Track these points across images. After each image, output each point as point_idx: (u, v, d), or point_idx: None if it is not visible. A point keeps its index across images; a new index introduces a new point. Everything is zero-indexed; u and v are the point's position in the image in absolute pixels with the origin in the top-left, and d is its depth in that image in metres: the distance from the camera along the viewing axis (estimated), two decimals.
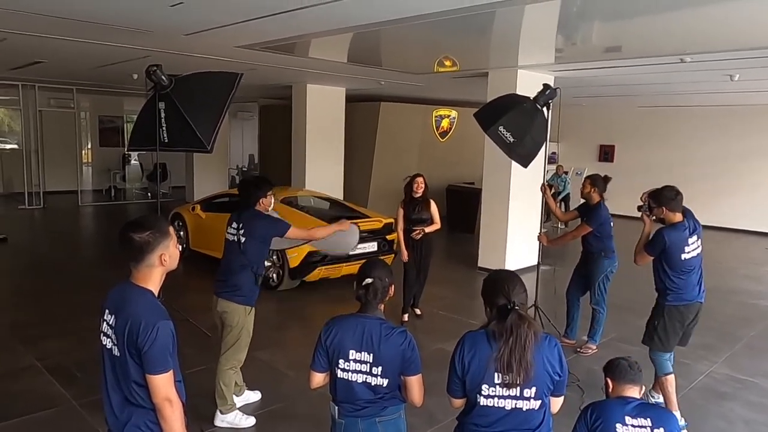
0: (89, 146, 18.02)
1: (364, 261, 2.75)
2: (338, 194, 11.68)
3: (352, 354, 2.50)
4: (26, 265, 9.17)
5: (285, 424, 4.32)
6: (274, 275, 7.52)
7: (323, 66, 8.91)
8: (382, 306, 2.62)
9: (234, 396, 4.34)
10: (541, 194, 6.05)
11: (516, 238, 8.77)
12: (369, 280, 2.54)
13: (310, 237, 4.47)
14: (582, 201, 5.84)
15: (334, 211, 8.71)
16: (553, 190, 11.93)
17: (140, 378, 2.14)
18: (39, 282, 8.05)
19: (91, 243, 11.87)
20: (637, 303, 7.38)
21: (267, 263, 6.65)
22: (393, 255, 7.68)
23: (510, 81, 8.22)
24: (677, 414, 4.13)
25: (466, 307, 7.36)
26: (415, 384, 2.54)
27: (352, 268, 7.30)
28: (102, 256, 9.77)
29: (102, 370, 2.27)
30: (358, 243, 5.30)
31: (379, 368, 2.48)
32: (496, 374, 2.30)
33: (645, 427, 2.56)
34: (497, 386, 2.31)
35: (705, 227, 4.43)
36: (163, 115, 5.33)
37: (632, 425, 2.56)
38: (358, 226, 4.94)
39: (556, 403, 2.49)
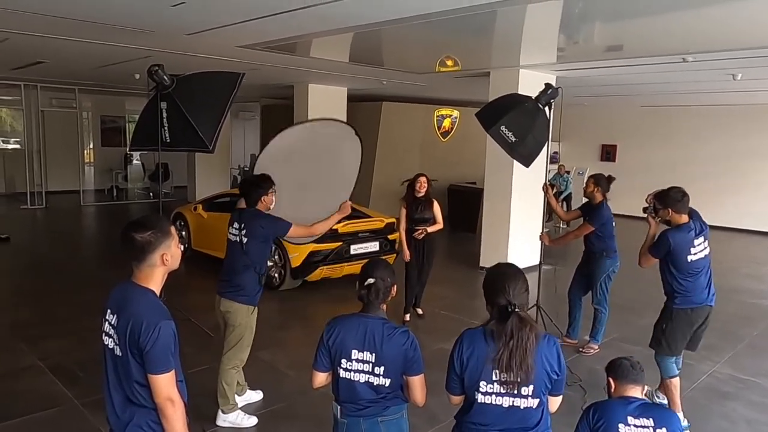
0: (91, 146, 18.06)
1: (366, 261, 2.74)
2: None
3: (355, 354, 2.49)
4: (28, 264, 9.18)
5: (287, 423, 4.32)
6: (276, 275, 7.52)
7: (325, 66, 8.91)
8: (385, 306, 2.61)
9: (236, 395, 4.34)
10: (543, 194, 6.04)
11: (518, 237, 8.77)
12: (371, 281, 2.54)
13: (311, 234, 4.42)
14: (584, 200, 5.84)
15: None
16: (554, 190, 11.91)
17: (142, 378, 2.14)
18: (40, 282, 8.06)
19: (93, 243, 11.88)
20: (639, 303, 7.40)
21: (269, 263, 6.65)
22: (395, 255, 7.68)
23: (512, 80, 8.21)
24: (680, 415, 4.12)
25: (468, 307, 7.36)
26: (417, 384, 2.53)
27: (354, 267, 7.30)
28: (104, 255, 9.78)
29: (104, 369, 2.27)
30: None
31: (382, 368, 2.47)
32: (494, 372, 2.29)
33: (647, 427, 2.55)
34: (495, 383, 2.30)
35: None
36: (164, 115, 5.34)
37: (634, 425, 2.55)
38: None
39: (555, 402, 2.48)
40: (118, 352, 2.17)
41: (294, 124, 4.95)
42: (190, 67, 6.14)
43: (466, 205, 12.07)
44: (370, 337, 2.49)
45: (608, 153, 16.16)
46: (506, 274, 2.39)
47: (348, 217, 7.92)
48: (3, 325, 6.08)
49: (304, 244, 6.42)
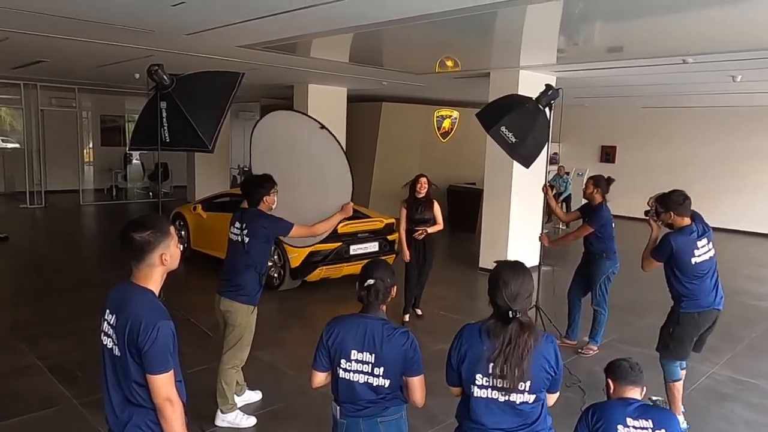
0: (91, 145, 18.06)
1: (366, 261, 2.73)
2: None
3: (354, 354, 2.49)
4: (27, 264, 9.17)
5: (286, 424, 4.32)
6: (276, 275, 7.52)
7: (325, 66, 8.91)
8: (384, 307, 2.61)
9: (235, 395, 4.33)
10: (542, 195, 6.05)
11: (517, 238, 8.76)
12: (371, 281, 2.53)
13: (313, 234, 4.41)
14: (584, 202, 5.84)
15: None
16: (554, 191, 11.92)
17: (141, 378, 2.14)
18: (40, 281, 8.05)
19: (93, 242, 11.88)
20: (638, 304, 7.40)
21: (268, 263, 6.64)
22: (394, 255, 7.68)
23: (512, 81, 8.21)
24: (680, 417, 4.12)
25: (467, 308, 7.35)
26: (417, 385, 2.53)
27: (354, 268, 7.31)
28: (103, 255, 9.77)
29: (102, 369, 2.27)
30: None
31: (381, 369, 2.47)
32: (489, 366, 2.30)
33: (646, 428, 2.56)
34: (490, 377, 2.32)
35: None
36: (164, 114, 5.33)
37: (633, 426, 2.56)
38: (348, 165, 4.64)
39: (551, 399, 2.50)
40: (116, 352, 2.17)
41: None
42: (190, 67, 6.13)
43: (465, 206, 12.08)
44: (370, 337, 2.48)
45: (608, 154, 16.16)
46: (509, 276, 2.35)
47: (348, 218, 7.98)
48: (2, 325, 6.08)
49: (306, 247, 6.38)
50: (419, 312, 6.80)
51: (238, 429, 4.19)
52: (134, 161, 18.26)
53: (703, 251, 4.06)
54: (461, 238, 11.64)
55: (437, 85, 11.18)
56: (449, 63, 8.50)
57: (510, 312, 2.28)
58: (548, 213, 6.43)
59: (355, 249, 7.57)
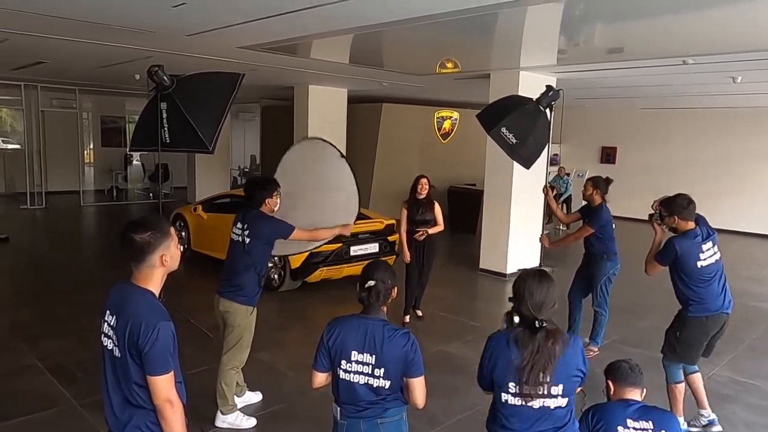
0: (91, 146, 18.07)
1: (367, 262, 2.73)
2: None
3: (354, 355, 2.49)
4: (27, 264, 9.17)
5: (286, 425, 4.32)
6: (276, 276, 7.52)
7: (325, 67, 8.91)
8: (385, 308, 2.61)
9: (235, 396, 4.33)
10: (542, 196, 6.04)
11: (517, 239, 8.77)
12: (372, 283, 2.53)
13: (314, 238, 4.43)
14: (584, 203, 5.83)
15: None
16: (554, 192, 11.92)
17: (141, 379, 2.14)
18: (40, 282, 8.05)
19: (93, 243, 11.88)
20: (638, 305, 7.40)
21: (269, 264, 6.64)
22: (395, 256, 7.68)
23: (512, 82, 8.22)
24: (681, 419, 4.11)
25: (467, 309, 7.36)
26: (417, 386, 2.53)
27: (354, 269, 7.30)
28: (103, 256, 9.77)
29: (102, 370, 2.27)
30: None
31: (382, 370, 2.47)
32: (521, 373, 2.34)
33: (646, 429, 2.56)
34: (523, 384, 2.35)
35: None
36: (164, 115, 5.33)
37: (633, 428, 2.56)
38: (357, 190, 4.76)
39: None
40: (117, 353, 2.17)
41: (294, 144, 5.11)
42: (190, 68, 6.13)
43: (465, 207, 12.08)
44: (371, 338, 2.48)
45: (608, 155, 16.16)
46: (533, 286, 2.40)
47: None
48: (2, 325, 6.08)
49: (304, 252, 6.40)
50: (420, 313, 6.80)
51: (238, 430, 4.20)
52: (135, 162, 18.27)
53: (708, 254, 4.02)
54: (461, 239, 11.64)
55: (437, 86, 11.19)
56: (449, 64, 8.51)
57: (537, 322, 2.33)
58: (549, 214, 6.43)
59: (355, 250, 7.57)
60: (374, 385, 2.49)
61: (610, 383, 2.80)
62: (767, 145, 13.55)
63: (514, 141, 5.41)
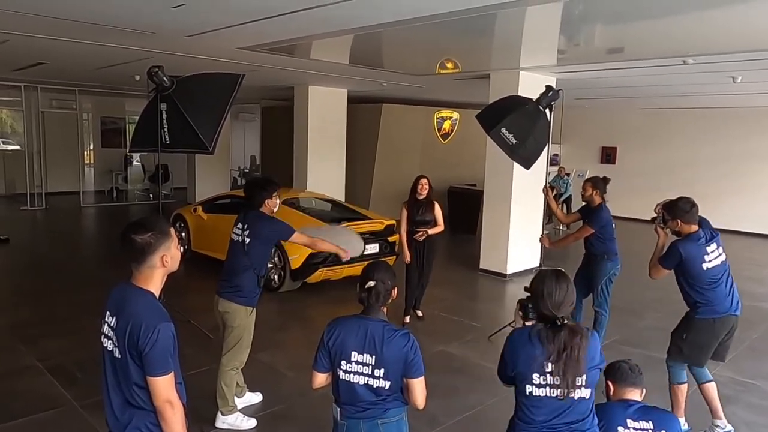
0: (91, 147, 18.07)
1: (367, 263, 2.73)
2: (340, 196, 11.69)
3: (354, 356, 2.49)
4: (27, 265, 9.17)
5: (286, 425, 4.32)
6: (276, 277, 7.52)
7: (325, 67, 8.91)
8: (385, 308, 2.61)
9: (235, 397, 4.33)
10: (542, 196, 6.05)
11: (518, 240, 8.76)
12: (372, 283, 2.53)
13: (312, 245, 4.43)
14: (583, 203, 5.83)
15: (336, 213, 8.71)
16: (554, 192, 11.92)
17: (141, 380, 2.14)
18: (40, 282, 8.05)
19: (93, 244, 11.88)
20: (639, 305, 7.40)
21: (269, 264, 6.64)
22: (395, 256, 7.68)
23: (512, 82, 8.22)
24: (682, 420, 4.10)
25: (468, 309, 7.36)
26: (417, 387, 2.52)
27: (354, 269, 7.30)
28: (103, 256, 9.77)
29: (103, 371, 2.27)
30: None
31: (382, 370, 2.47)
32: (545, 364, 2.39)
33: (646, 429, 2.56)
34: (548, 375, 2.40)
35: None
36: (164, 116, 5.34)
37: (634, 428, 2.56)
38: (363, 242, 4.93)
39: None
40: (117, 354, 2.17)
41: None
42: (190, 69, 6.14)
43: (466, 207, 12.08)
44: (371, 339, 2.48)
45: (608, 155, 16.17)
46: (550, 287, 2.45)
47: (348, 219, 8.00)
48: (2, 326, 6.07)
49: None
50: (420, 313, 6.80)
51: (238, 431, 4.19)
52: (135, 163, 18.27)
53: (713, 256, 3.99)
54: (462, 240, 11.64)
55: (437, 87, 11.19)
56: (449, 64, 8.51)
57: (557, 320, 2.40)
58: (549, 214, 6.43)
59: None
60: (374, 386, 2.49)
61: (610, 383, 2.80)
62: (767, 145, 13.55)
63: (514, 141, 5.42)
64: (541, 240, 6.04)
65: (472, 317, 6.97)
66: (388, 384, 2.49)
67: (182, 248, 2.47)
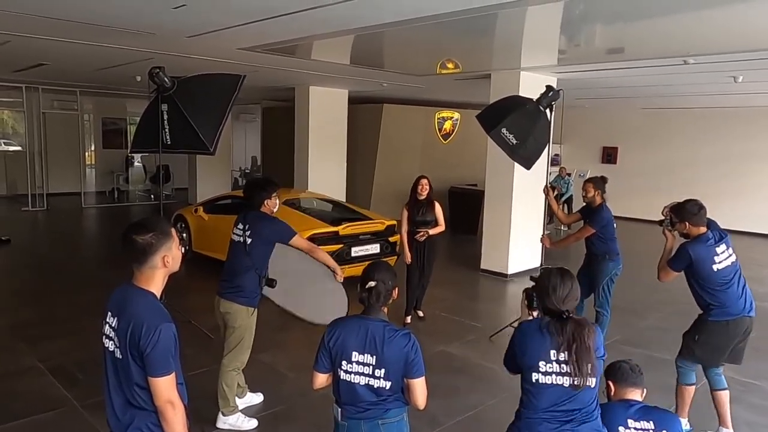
0: (92, 148, 18.09)
1: (367, 263, 2.73)
2: (341, 196, 11.70)
3: (355, 356, 2.49)
4: (28, 266, 9.18)
5: (287, 426, 4.32)
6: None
7: (326, 68, 8.92)
8: (386, 308, 2.61)
9: (236, 398, 4.33)
10: (543, 196, 6.04)
11: (519, 240, 8.77)
12: (372, 283, 2.54)
13: (311, 250, 4.40)
14: (584, 203, 5.83)
15: (337, 213, 8.71)
16: (555, 192, 11.92)
17: (142, 380, 2.14)
18: (40, 282, 8.06)
19: (94, 244, 11.89)
20: (640, 305, 7.40)
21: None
22: (396, 257, 7.68)
23: (512, 83, 8.22)
24: (684, 420, 4.09)
25: (468, 309, 7.36)
26: (418, 387, 2.53)
27: (355, 269, 7.27)
28: (104, 257, 9.78)
29: (104, 372, 2.27)
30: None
31: (382, 371, 2.47)
32: (551, 352, 2.46)
33: (647, 430, 2.56)
34: (554, 363, 2.47)
35: None
36: (165, 117, 5.34)
37: (634, 428, 2.56)
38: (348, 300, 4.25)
39: None
40: (118, 354, 2.17)
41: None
42: (191, 70, 6.15)
43: (466, 207, 12.08)
44: (371, 339, 2.48)
45: (609, 155, 16.17)
46: (555, 282, 2.55)
47: (349, 220, 8.00)
48: (3, 326, 6.08)
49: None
50: (421, 314, 6.80)
51: (239, 431, 4.19)
52: (136, 164, 18.30)
53: (723, 257, 3.97)
54: (462, 240, 11.64)
55: (438, 87, 11.19)
56: (450, 65, 8.51)
57: (563, 314, 2.50)
58: (550, 214, 6.43)
59: (356, 251, 7.57)
60: (375, 386, 2.49)
61: (611, 384, 2.80)
62: (767, 145, 13.54)
63: (515, 141, 5.42)
64: (542, 240, 6.04)
65: (473, 317, 6.97)
66: (388, 384, 2.49)
67: (183, 249, 2.47)
